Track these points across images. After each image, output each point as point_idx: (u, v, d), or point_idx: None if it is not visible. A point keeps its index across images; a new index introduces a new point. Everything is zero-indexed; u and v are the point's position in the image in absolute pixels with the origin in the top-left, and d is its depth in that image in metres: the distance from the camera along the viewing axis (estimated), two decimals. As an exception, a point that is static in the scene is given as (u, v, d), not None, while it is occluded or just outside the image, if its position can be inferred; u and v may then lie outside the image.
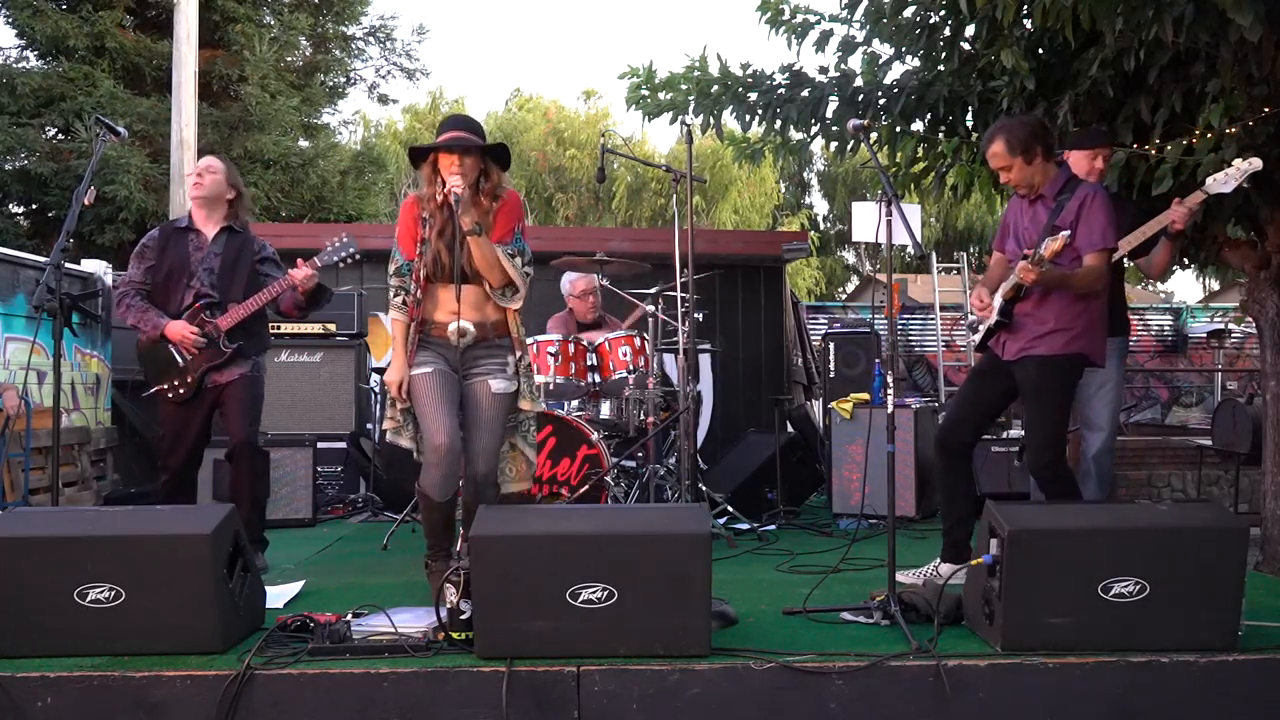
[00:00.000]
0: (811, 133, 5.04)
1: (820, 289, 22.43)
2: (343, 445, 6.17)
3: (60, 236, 3.48)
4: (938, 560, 3.63)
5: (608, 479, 4.71)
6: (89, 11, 11.04)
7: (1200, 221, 4.20)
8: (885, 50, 4.96)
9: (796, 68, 5.02)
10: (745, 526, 4.85)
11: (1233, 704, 2.62)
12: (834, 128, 4.93)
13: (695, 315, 4.72)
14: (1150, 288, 19.18)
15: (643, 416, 4.97)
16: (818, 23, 4.89)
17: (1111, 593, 2.68)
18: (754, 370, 7.84)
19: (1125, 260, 4.08)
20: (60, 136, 11.22)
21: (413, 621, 2.88)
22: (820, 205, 26.59)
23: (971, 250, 20.76)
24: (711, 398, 7.48)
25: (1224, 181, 3.62)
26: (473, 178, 3.33)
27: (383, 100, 14.76)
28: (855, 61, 4.97)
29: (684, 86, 5.09)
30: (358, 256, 4.03)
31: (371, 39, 13.85)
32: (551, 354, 4.96)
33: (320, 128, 13.75)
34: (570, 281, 5.55)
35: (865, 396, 5.46)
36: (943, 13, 4.58)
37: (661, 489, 4.95)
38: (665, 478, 5.01)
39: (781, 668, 2.60)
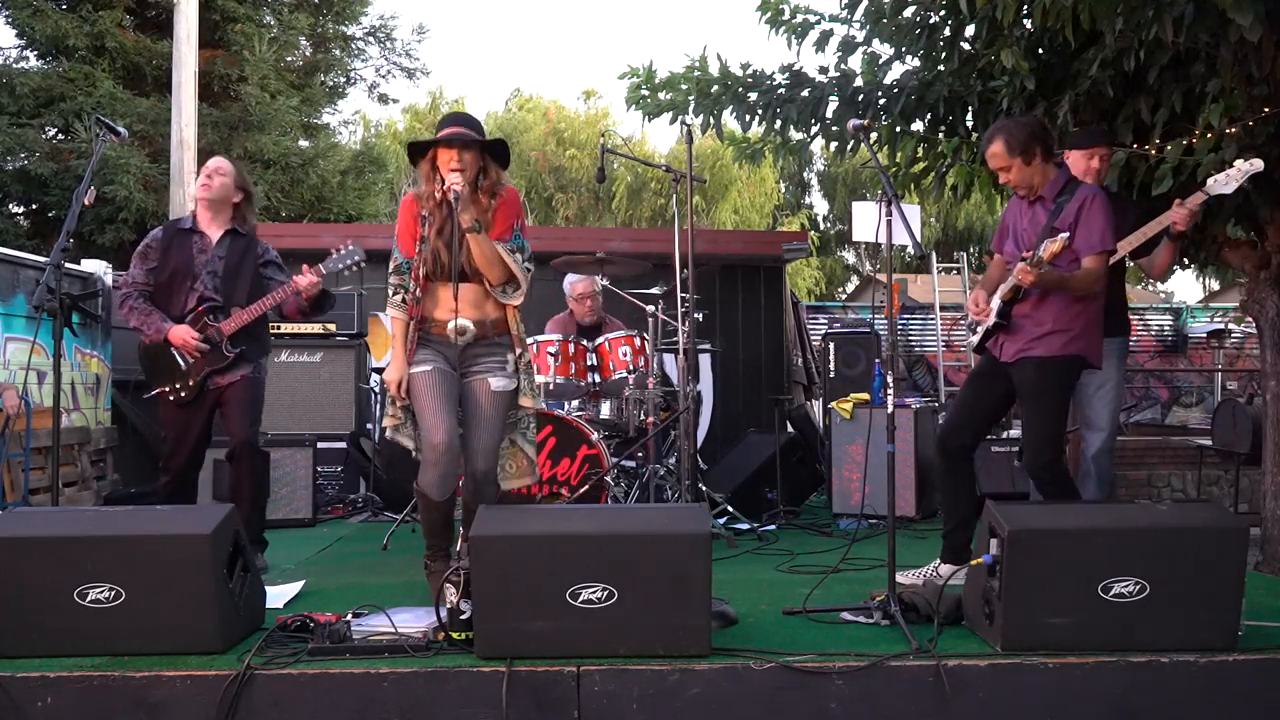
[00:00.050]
0: (811, 133, 5.04)
1: (820, 289, 22.44)
2: (343, 445, 6.17)
3: (60, 236, 3.47)
4: (938, 560, 3.63)
5: (608, 479, 4.71)
6: (89, 11, 11.05)
7: (1200, 221, 4.19)
8: (885, 50, 4.96)
9: (796, 68, 5.02)
10: (745, 526, 4.85)
11: (1233, 704, 2.62)
12: (834, 128, 4.93)
13: (695, 315, 4.72)
14: (1150, 288, 19.19)
15: (643, 416, 4.97)
16: (818, 23, 4.89)
17: (1111, 593, 2.68)
18: (754, 370, 7.84)
19: (1126, 260, 4.08)
20: (60, 137, 11.22)
21: (413, 621, 2.88)
22: (820, 205, 26.63)
23: (971, 250, 20.77)
24: (711, 398, 7.48)
25: (1225, 183, 3.62)
26: (472, 175, 3.33)
27: (383, 100, 14.78)
28: (855, 61, 4.97)
29: (684, 86, 5.09)
30: (363, 265, 4.03)
31: (371, 39, 13.86)
32: (551, 354, 4.97)
33: (320, 128, 13.76)
34: (570, 284, 5.55)
35: (865, 396, 5.46)
36: (943, 13, 4.57)
37: (661, 489, 4.95)
38: (665, 478, 5.01)
39: (781, 668, 2.60)
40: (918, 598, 3.01)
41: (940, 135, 4.91)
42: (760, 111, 4.98)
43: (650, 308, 5.09)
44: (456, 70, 47.19)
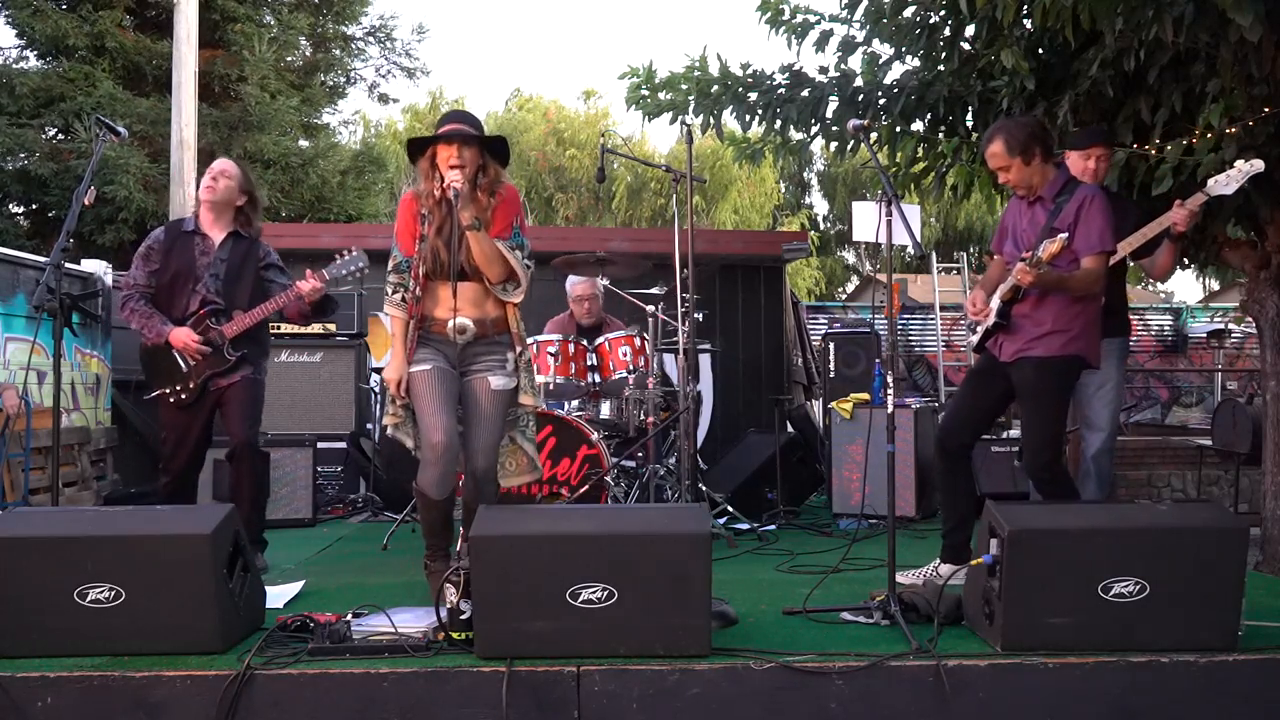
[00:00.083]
0: (811, 133, 5.04)
1: (820, 289, 22.44)
2: (343, 445, 6.17)
3: (60, 236, 3.47)
4: (938, 560, 3.63)
5: (608, 479, 4.71)
6: (89, 11, 11.04)
7: (1200, 222, 4.19)
8: (885, 50, 4.96)
9: (796, 68, 5.02)
10: (745, 526, 4.85)
11: (1233, 704, 2.62)
12: (834, 128, 4.93)
13: (695, 315, 4.72)
14: (1150, 288, 19.18)
15: (643, 416, 4.97)
16: (818, 23, 4.89)
17: (1111, 593, 2.68)
18: (754, 370, 7.84)
19: (1128, 261, 4.08)
20: (60, 137, 11.22)
21: (413, 621, 2.88)
22: (820, 205, 26.63)
23: (971, 250, 20.78)
24: (711, 398, 7.47)
25: (1225, 183, 3.62)
26: (471, 172, 3.31)
27: (383, 100, 14.78)
28: (855, 61, 4.97)
29: (684, 86, 5.09)
30: (366, 271, 4.03)
31: (371, 39, 13.86)
32: (551, 354, 4.97)
33: (320, 128, 13.76)
34: (571, 284, 5.55)
35: (865, 396, 5.46)
36: (943, 13, 4.57)
37: (661, 489, 4.95)
38: (665, 478, 5.01)
39: (781, 668, 2.60)
40: (918, 598, 3.01)
41: (940, 135, 4.91)
42: (760, 111, 4.98)
43: (650, 308, 5.09)
44: (456, 70, 47.22)
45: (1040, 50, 4.51)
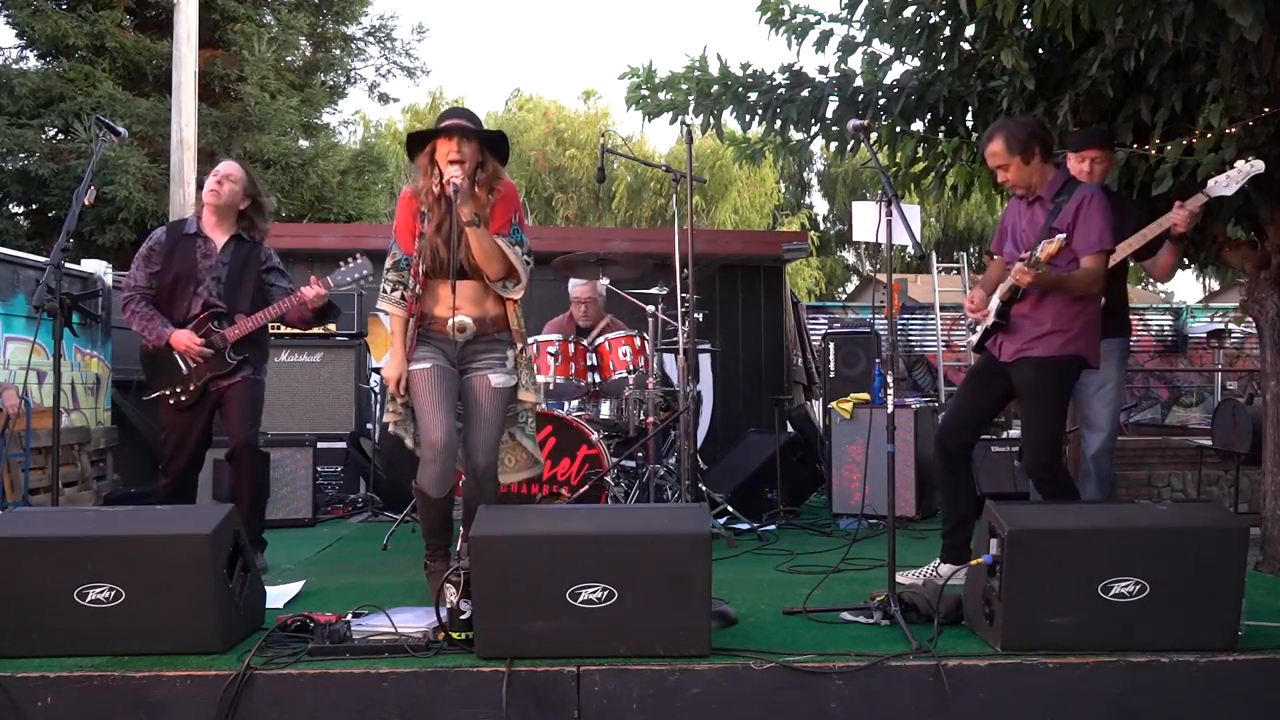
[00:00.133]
0: (811, 133, 5.04)
1: (820, 289, 22.44)
2: (343, 445, 6.17)
3: (60, 236, 3.47)
4: (938, 560, 3.63)
5: (608, 479, 4.71)
6: (89, 11, 11.04)
7: (1200, 222, 4.19)
8: (885, 50, 4.96)
9: (796, 68, 5.02)
10: (745, 526, 4.85)
11: (1233, 704, 2.62)
12: (834, 128, 4.93)
13: (695, 315, 4.72)
14: (1150, 288, 19.19)
15: (643, 416, 4.97)
16: (818, 23, 4.89)
17: (1111, 593, 2.68)
18: (754, 370, 7.84)
19: (1129, 261, 4.08)
20: (60, 137, 11.22)
21: (413, 621, 2.88)
22: (820, 205, 26.63)
23: (971, 250, 20.78)
24: (711, 398, 7.47)
25: (1226, 184, 3.62)
26: (470, 167, 3.29)
27: (383, 99, 14.78)
28: (855, 61, 4.97)
29: (684, 86, 5.09)
30: (370, 279, 4.03)
31: (371, 39, 13.86)
32: (551, 354, 4.97)
33: (320, 127, 13.76)
34: (571, 286, 5.56)
35: (865, 396, 5.46)
36: (943, 13, 4.57)
37: (661, 489, 4.95)
38: (665, 478, 5.01)
39: (781, 668, 2.60)
40: (918, 598, 3.01)
41: (940, 135, 4.91)
42: (760, 111, 4.98)
43: (650, 308, 5.09)
44: (456, 70, 47.23)
45: (1040, 50, 4.51)
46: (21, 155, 10.87)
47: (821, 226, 25.16)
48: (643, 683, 2.58)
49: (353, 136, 16.53)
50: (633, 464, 5.09)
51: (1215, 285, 18.94)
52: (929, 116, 4.90)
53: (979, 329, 3.61)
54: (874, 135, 4.89)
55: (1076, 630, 2.69)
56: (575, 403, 5.14)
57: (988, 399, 3.64)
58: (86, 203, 3.55)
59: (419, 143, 3.35)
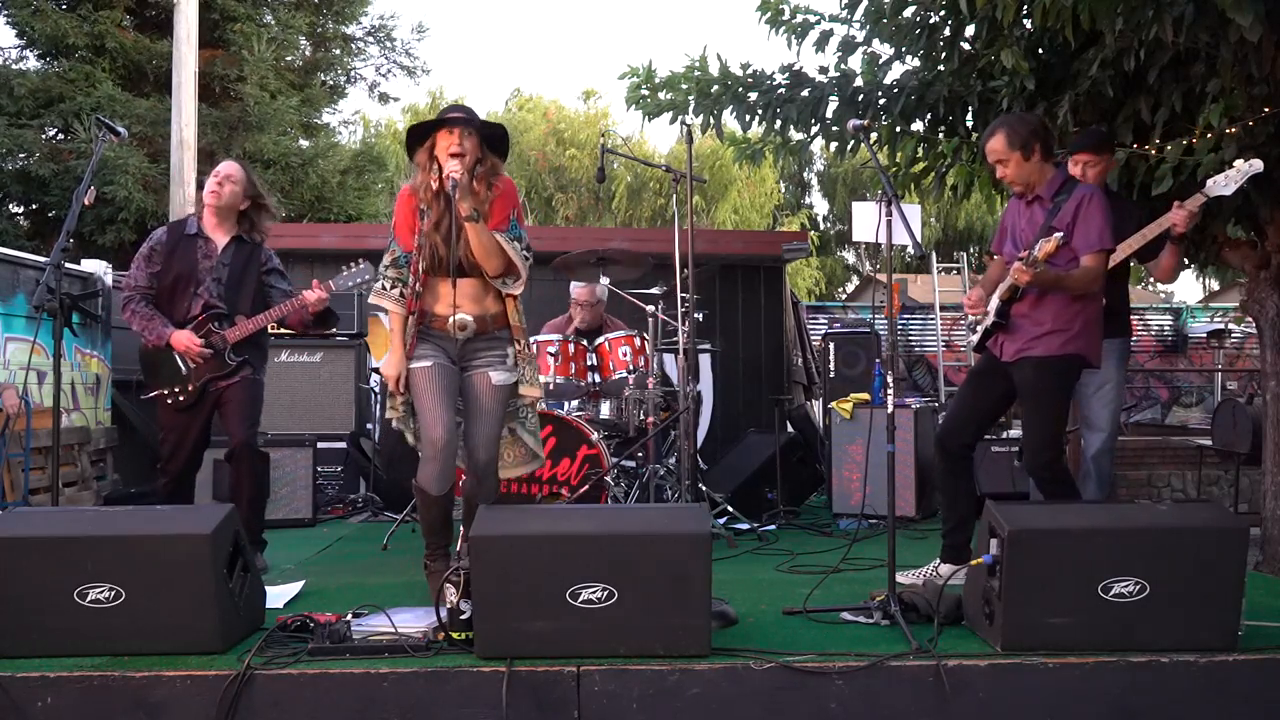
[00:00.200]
0: (811, 133, 5.04)
1: (820, 289, 22.44)
2: (343, 445, 6.17)
3: (60, 236, 3.47)
4: (938, 560, 3.63)
5: (608, 479, 4.71)
6: (89, 11, 11.04)
7: (1200, 222, 4.19)
8: (885, 50, 4.96)
9: (796, 68, 5.03)
10: (745, 526, 4.85)
11: (1233, 704, 2.62)
12: (834, 128, 4.93)
13: (695, 315, 4.72)
14: (1151, 288, 19.19)
15: (643, 416, 4.97)
16: (818, 23, 4.89)
17: (1111, 593, 2.68)
18: (754, 370, 7.84)
19: (1131, 262, 4.08)
20: (60, 137, 11.23)
21: (413, 621, 2.88)
22: (820, 205, 26.63)
23: (971, 250, 20.79)
24: (711, 398, 7.48)
25: (1224, 184, 3.61)
26: (470, 162, 3.28)
27: (383, 99, 14.78)
28: (855, 61, 4.98)
29: (684, 86, 5.09)
30: (372, 284, 4.02)
31: (371, 38, 13.86)
32: (551, 354, 4.97)
33: (320, 127, 13.75)
34: (572, 288, 5.56)
35: (865, 396, 5.46)
36: (943, 13, 4.58)
37: (661, 489, 4.95)
38: (665, 478, 5.01)
39: (781, 668, 2.60)
40: (918, 598, 3.01)
41: (940, 135, 4.91)
42: (760, 111, 4.98)
43: (650, 308, 5.09)
44: (456, 70, 47.26)
45: (1040, 50, 4.52)
46: (21, 155, 10.87)
47: (821, 226, 25.16)
48: (643, 683, 2.58)
49: (353, 136, 16.53)
50: (633, 464, 5.09)
51: (1215, 285, 18.95)
52: (929, 116, 4.90)
53: (980, 329, 3.61)
54: (874, 135, 4.89)
55: (1076, 630, 2.69)
56: (575, 403, 5.14)
57: (988, 399, 3.64)
58: (86, 203, 3.55)
59: (419, 137, 3.34)
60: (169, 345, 3.93)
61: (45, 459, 5.20)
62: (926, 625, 2.89)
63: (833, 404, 5.60)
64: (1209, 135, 3.81)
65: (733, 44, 51.29)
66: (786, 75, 5.01)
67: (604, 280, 5.32)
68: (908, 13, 4.67)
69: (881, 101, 4.85)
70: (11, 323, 5.61)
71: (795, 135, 5.13)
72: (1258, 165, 3.57)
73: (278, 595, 3.42)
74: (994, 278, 3.64)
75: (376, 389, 6.21)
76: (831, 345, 6.49)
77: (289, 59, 12.74)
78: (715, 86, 5.04)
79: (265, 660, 2.62)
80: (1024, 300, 3.44)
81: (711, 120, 5.14)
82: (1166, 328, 12.49)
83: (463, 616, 2.71)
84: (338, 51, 13.62)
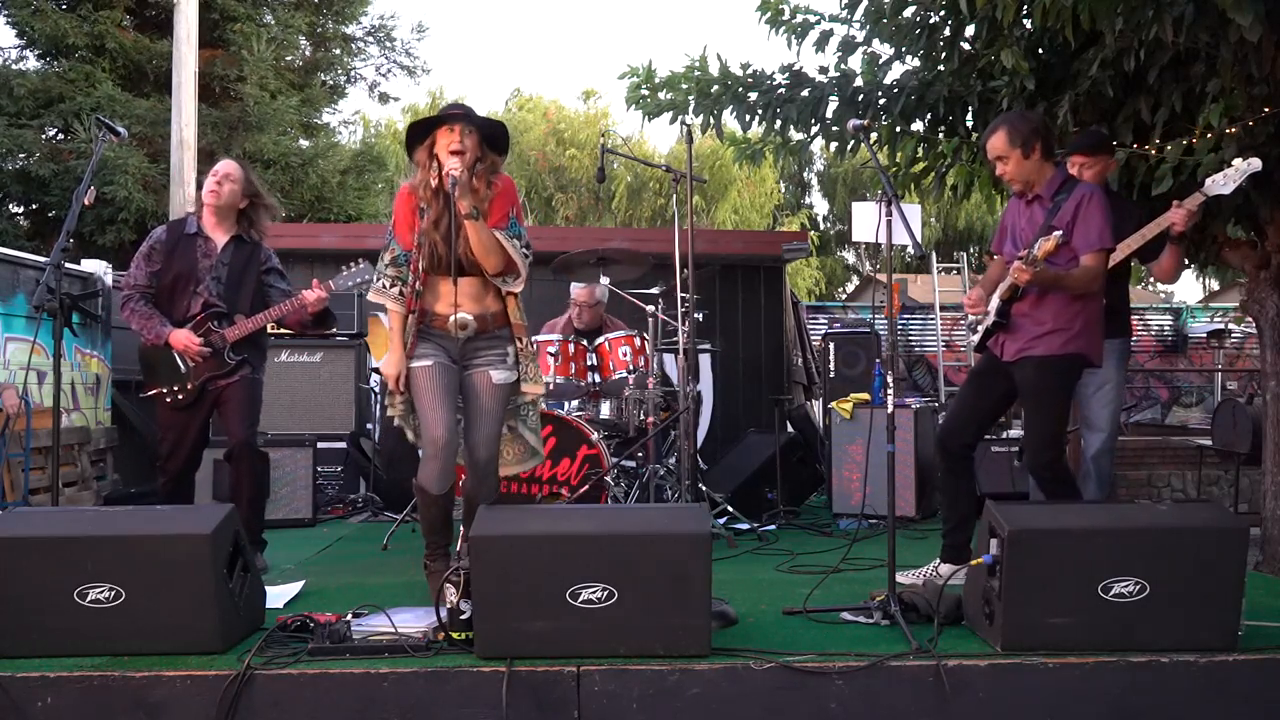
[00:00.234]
0: (811, 133, 5.04)
1: (820, 289, 22.44)
2: (343, 445, 6.17)
3: (60, 236, 3.47)
4: (938, 560, 3.63)
5: (608, 479, 4.71)
6: (89, 11, 11.04)
7: (1200, 221, 4.19)
8: (885, 50, 4.96)
9: (796, 68, 5.02)
10: (745, 526, 4.85)
11: (1233, 704, 2.62)
12: (834, 128, 4.93)
13: (695, 315, 4.72)
14: (1151, 288, 19.19)
15: (643, 416, 4.97)
16: (818, 23, 4.89)
17: (1111, 593, 2.68)
18: (754, 370, 7.84)
19: (1133, 262, 4.08)
20: (60, 137, 11.23)
21: (413, 621, 2.88)
22: (820, 205, 26.64)
23: (971, 250, 20.78)
24: (711, 398, 7.48)
25: (1223, 183, 3.61)
26: (470, 160, 3.28)
27: (383, 99, 14.77)
28: (855, 61, 4.98)
29: (684, 86, 5.09)
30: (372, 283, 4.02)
31: (371, 38, 13.86)
32: (551, 354, 4.97)
33: (320, 127, 13.75)
34: (573, 288, 5.55)
35: (865, 396, 5.46)
36: (943, 13, 4.58)
37: (661, 489, 4.95)
38: (665, 478, 5.01)
39: (781, 668, 2.60)
40: (918, 598, 3.01)
41: (940, 135, 4.91)
42: (760, 111, 4.98)
43: (650, 308, 5.09)
44: (456, 70, 47.26)
45: (1040, 50, 4.52)
46: (21, 155, 10.87)
47: (821, 226, 25.16)
48: (643, 683, 2.58)
49: (353, 136, 16.52)
50: (633, 464, 5.08)
51: (1215, 285, 18.95)
52: (929, 116, 4.90)
53: (980, 329, 3.61)
54: (874, 135, 4.89)
55: (1076, 630, 2.69)
56: (575, 403, 5.14)
57: (989, 399, 3.64)
58: (86, 203, 3.55)
59: (419, 135, 3.34)
60: (168, 344, 3.93)
61: (45, 459, 5.20)
62: (926, 625, 2.89)
63: (833, 404, 5.60)
64: (1209, 135, 3.81)
65: (733, 44, 51.31)
66: (786, 75, 5.01)
67: (604, 280, 5.32)
68: (908, 13, 4.67)
69: (881, 101, 4.85)
70: (11, 323, 5.61)
71: (795, 135, 5.13)
72: (1256, 164, 3.57)
73: (278, 595, 3.42)
74: (994, 277, 3.64)
75: (376, 389, 6.21)
76: (831, 345, 6.49)
77: (289, 59, 12.74)
78: (715, 86, 5.04)
79: (265, 660, 2.62)
80: (1024, 300, 3.44)
81: (711, 120, 5.14)
82: (1166, 328, 12.49)
83: (463, 616, 2.71)
84: (338, 51, 13.62)
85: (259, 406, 4.09)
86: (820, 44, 4.92)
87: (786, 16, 4.88)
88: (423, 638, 2.76)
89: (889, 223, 3.08)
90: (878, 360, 6.13)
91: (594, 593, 2.63)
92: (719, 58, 5.05)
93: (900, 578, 3.21)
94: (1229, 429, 6.55)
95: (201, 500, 4.56)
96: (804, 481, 5.73)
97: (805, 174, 25.94)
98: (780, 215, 22.60)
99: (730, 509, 4.91)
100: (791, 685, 2.58)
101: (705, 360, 7.30)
